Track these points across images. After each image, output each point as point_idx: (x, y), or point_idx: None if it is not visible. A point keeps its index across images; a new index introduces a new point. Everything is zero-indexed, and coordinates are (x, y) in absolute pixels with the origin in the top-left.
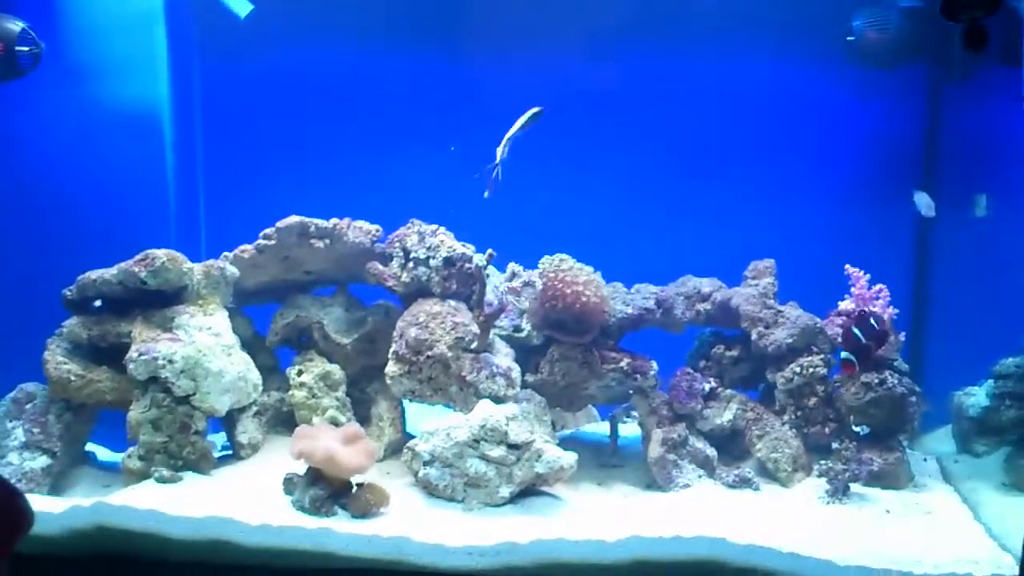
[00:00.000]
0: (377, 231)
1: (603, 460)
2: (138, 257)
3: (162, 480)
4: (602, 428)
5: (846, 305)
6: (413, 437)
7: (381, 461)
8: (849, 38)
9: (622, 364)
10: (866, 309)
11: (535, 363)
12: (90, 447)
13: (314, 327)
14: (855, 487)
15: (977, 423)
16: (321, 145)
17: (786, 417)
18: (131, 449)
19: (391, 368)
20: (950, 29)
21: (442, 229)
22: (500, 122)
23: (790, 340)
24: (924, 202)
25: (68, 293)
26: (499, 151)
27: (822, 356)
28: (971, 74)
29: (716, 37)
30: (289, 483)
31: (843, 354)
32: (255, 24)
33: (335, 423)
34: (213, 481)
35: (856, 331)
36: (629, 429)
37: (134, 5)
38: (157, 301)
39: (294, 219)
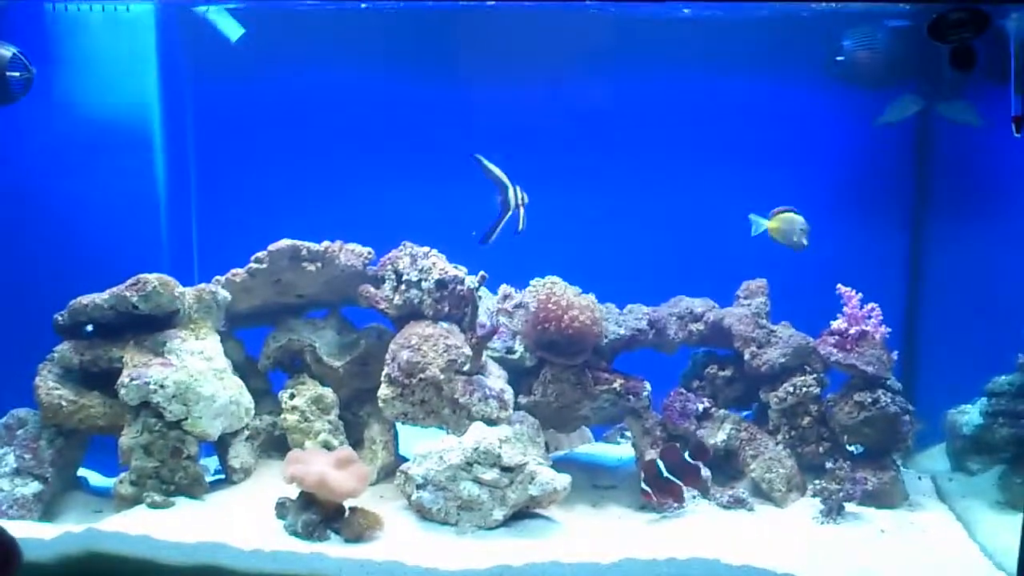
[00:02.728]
0: (369, 254)
1: (597, 481)
2: (130, 282)
3: (154, 505)
4: (596, 449)
5: (839, 324)
6: (406, 460)
7: (374, 485)
8: (839, 58)
9: (615, 385)
10: (676, 445)
11: (528, 385)
12: (82, 472)
13: (306, 350)
14: (849, 507)
15: (971, 441)
16: (313, 168)
17: (780, 437)
18: (123, 474)
19: (384, 391)
20: (939, 49)
21: (434, 251)
22: (491, 143)
23: (783, 360)
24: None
25: (60, 318)
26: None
27: (815, 376)
28: (960, 93)
29: (705, 57)
30: (282, 508)
31: (642, 485)
32: (247, 47)
33: (328, 447)
34: (205, 506)
35: (659, 463)
36: (623, 450)
37: (126, 29)
38: (149, 326)
39: (285, 242)
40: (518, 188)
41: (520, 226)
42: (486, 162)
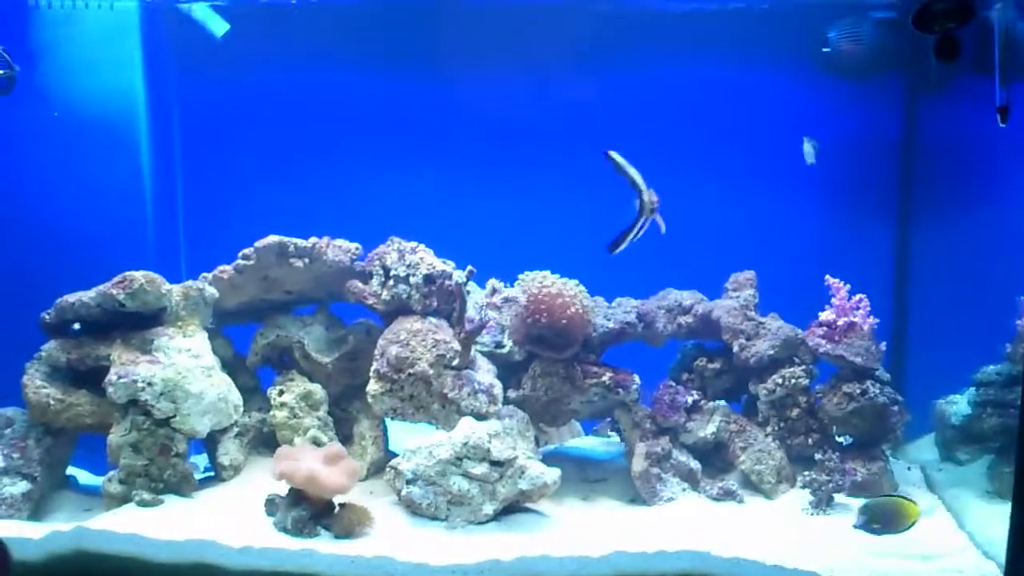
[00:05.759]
0: (357, 249)
1: (587, 475)
2: (116, 279)
3: (143, 503)
4: (586, 443)
5: (827, 315)
6: (396, 455)
7: (364, 480)
8: (824, 49)
9: (604, 379)
10: None
11: (517, 379)
12: (71, 471)
13: (295, 347)
14: (839, 497)
15: (960, 431)
16: (300, 164)
17: (769, 429)
18: (111, 473)
19: (373, 386)
20: (924, 39)
21: (422, 246)
22: (472, 136)
23: (772, 352)
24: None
25: (46, 316)
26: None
27: (804, 367)
28: (946, 83)
29: (693, 49)
30: (271, 504)
31: None
32: (232, 43)
33: (317, 443)
34: (195, 503)
35: None
36: (613, 444)
37: (110, 26)
38: (136, 323)
39: (273, 239)
40: (652, 191)
41: (661, 230)
42: (619, 160)
